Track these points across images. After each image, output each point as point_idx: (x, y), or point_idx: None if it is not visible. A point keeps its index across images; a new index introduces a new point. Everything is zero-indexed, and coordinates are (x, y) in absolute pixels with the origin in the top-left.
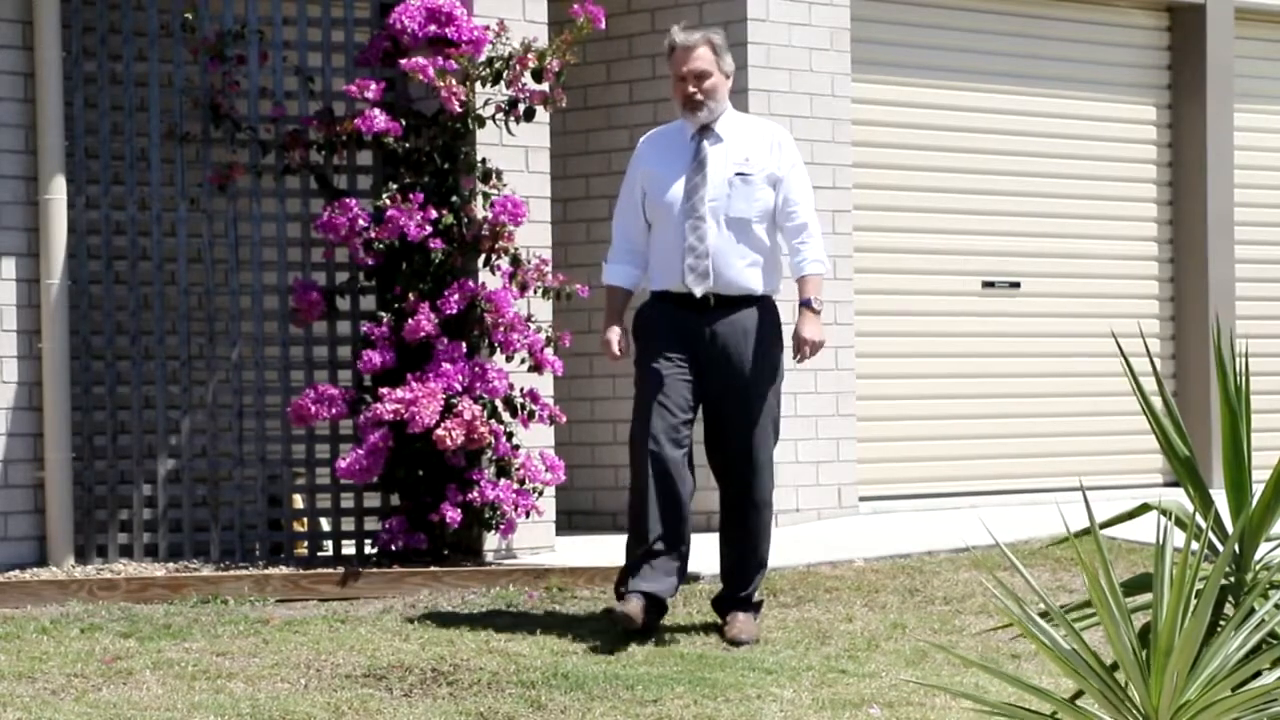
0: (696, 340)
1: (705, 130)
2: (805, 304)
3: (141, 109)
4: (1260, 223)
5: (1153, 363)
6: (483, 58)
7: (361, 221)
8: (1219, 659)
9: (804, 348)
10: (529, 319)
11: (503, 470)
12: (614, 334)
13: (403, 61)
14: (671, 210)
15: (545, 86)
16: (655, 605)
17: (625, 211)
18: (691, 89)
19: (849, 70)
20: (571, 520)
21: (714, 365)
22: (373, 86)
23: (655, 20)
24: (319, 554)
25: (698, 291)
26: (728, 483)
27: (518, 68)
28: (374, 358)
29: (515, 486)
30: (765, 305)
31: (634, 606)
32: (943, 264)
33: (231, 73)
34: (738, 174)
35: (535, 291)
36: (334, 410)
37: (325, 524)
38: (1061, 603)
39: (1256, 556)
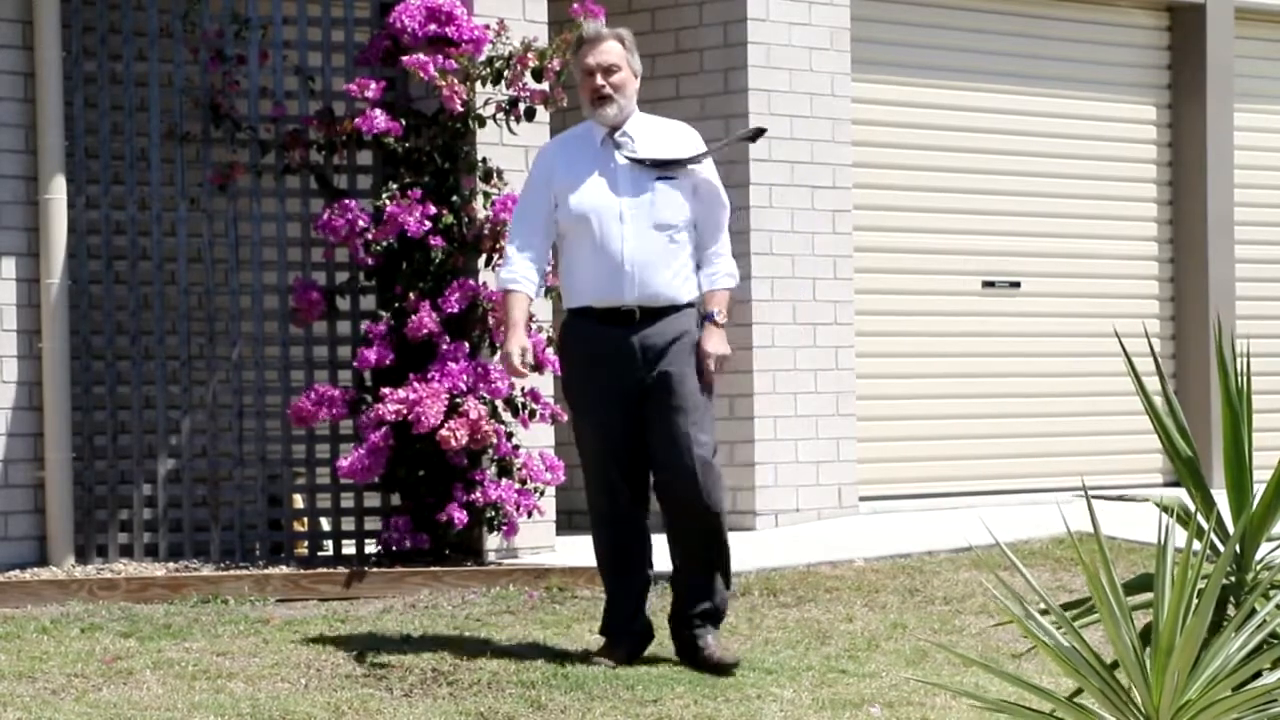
0: (625, 355)
1: (616, 132)
2: (710, 318)
3: (141, 109)
4: (1260, 223)
5: (1156, 362)
6: (483, 57)
7: (361, 222)
8: (1220, 659)
9: (707, 360)
10: (530, 318)
11: (504, 470)
12: (516, 346)
13: (404, 59)
14: (590, 219)
15: (545, 86)
16: (635, 642)
17: (528, 221)
18: (600, 82)
19: (849, 70)
20: (571, 520)
21: (647, 377)
22: (373, 86)
23: (655, 20)
24: (319, 554)
25: (608, 309)
26: (675, 501)
27: (518, 67)
28: (370, 355)
29: (517, 486)
30: (691, 313)
31: (620, 655)
32: (943, 264)
33: (231, 72)
34: (659, 178)
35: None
36: (334, 410)
37: (325, 524)
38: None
39: (1257, 556)
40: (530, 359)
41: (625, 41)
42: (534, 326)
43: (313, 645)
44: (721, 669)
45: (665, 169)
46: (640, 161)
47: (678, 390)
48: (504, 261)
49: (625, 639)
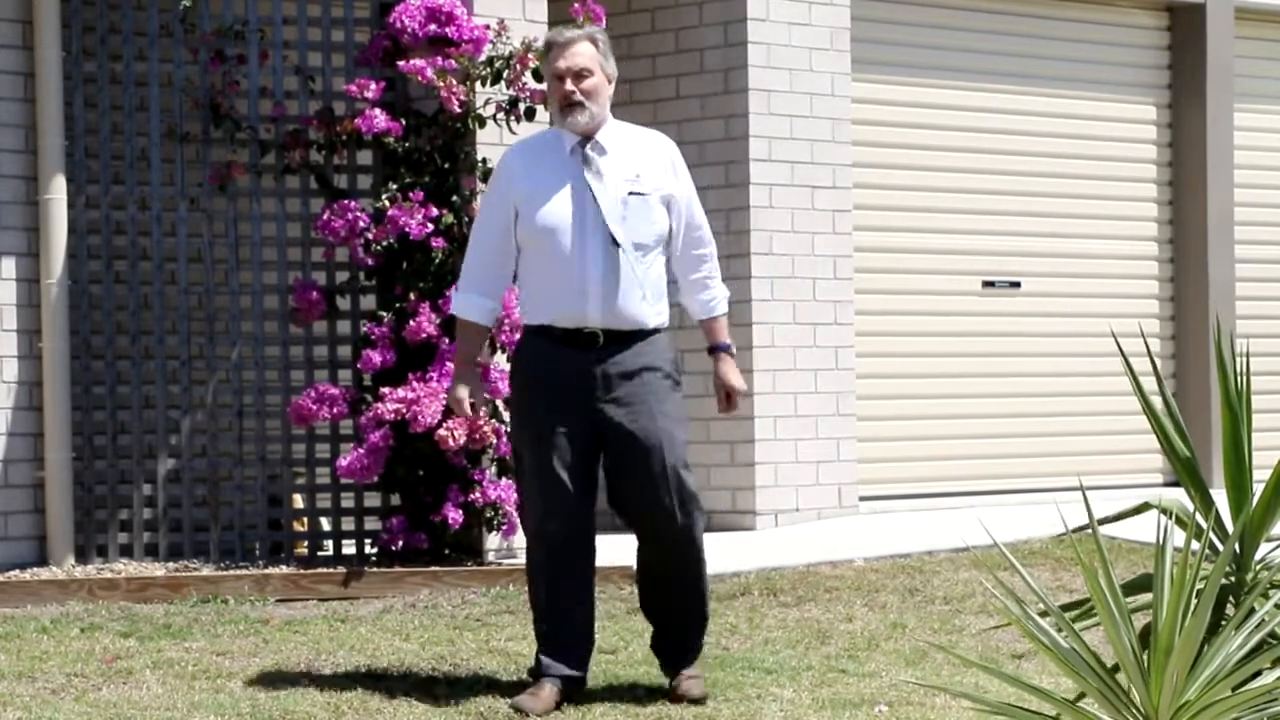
0: (585, 383)
1: (587, 141)
2: (724, 349)
3: (141, 109)
4: (1260, 223)
5: (1153, 362)
6: (483, 57)
7: (361, 222)
8: (1219, 659)
9: (735, 397)
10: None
11: (504, 470)
12: (464, 392)
13: (400, 64)
14: (555, 233)
15: (545, 86)
16: (572, 685)
17: (486, 234)
18: (570, 87)
19: (849, 70)
20: None
21: (610, 410)
22: (373, 86)
23: (655, 20)
24: (319, 554)
25: (568, 331)
26: (651, 532)
27: (518, 67)
28: (374, 357)
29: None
30: (659, 341)
31: (546, 694)
32: (943, 264)
33: (231, 72)
34: (631, 193)
35: None
36: (334, 410)
37: (325, 524)
38: (1061, 603)
39: (1257, 556)
40: (481, 401)
41: (599, 44)
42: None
43: (313, 645)
44: (692, 703)
45: (637, 183)
46: (610, 172)
47: (650, 435)
48: (458, 284)
49: (559, 679)
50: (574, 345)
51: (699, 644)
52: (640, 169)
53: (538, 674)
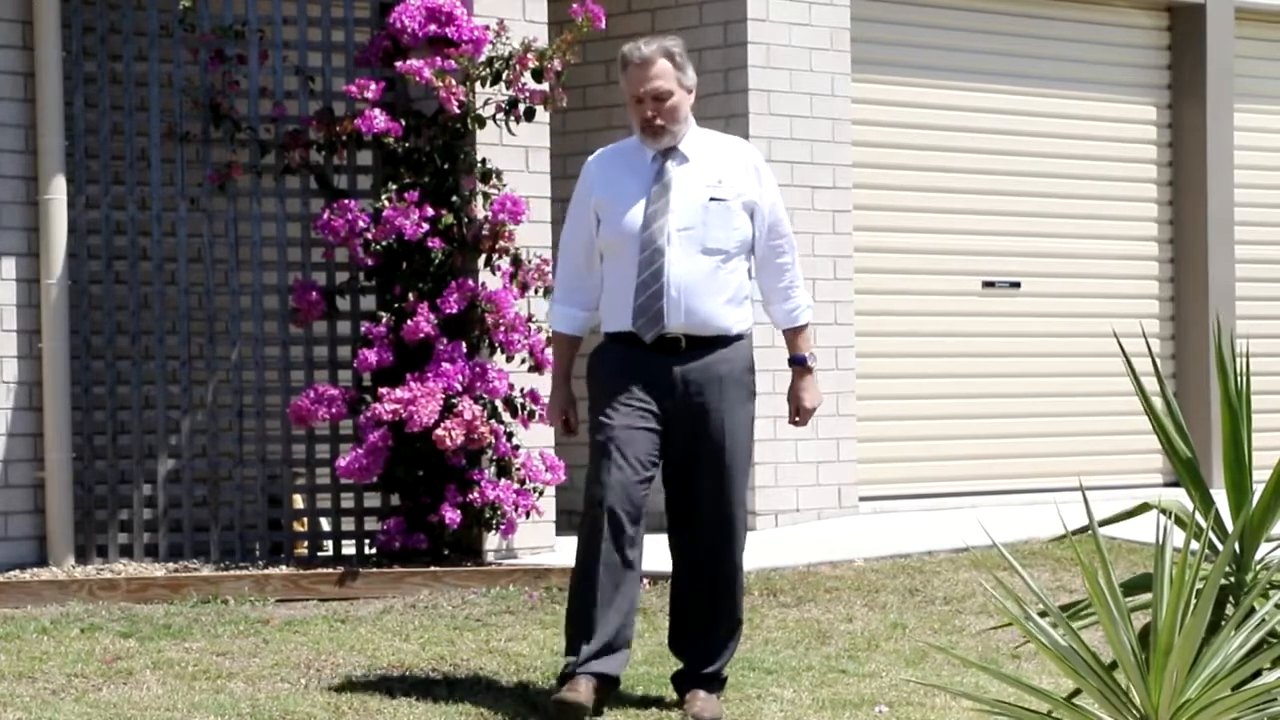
0: (664, 387)
1: (670, 151)
2: (802, 362)
3: (141, 109)
4: (1260, 223)
5: (1154, 362)
6: (483, 57)
7: (361, 222)
8: (1219, 658)
9: (805, 415)
10: (530, 319)
11: (503, 470)
12: (559, 407)
13: (399, 64)
14: (634, 240)
15: (545, 86)
16: (606, 684)
17: (572, 243)
18: (651, 113)
19: (849, 70)
20: (571, 520)
21: (684, 418)
22: (373, 86)
23: (655, 20)
24: (319, 554)
25: (648, 337)
26: (694, 548)
27: (518, 68)
28: (370, 356)
29: (515, 486)
30: (741, 348)
31: (583, 689)
32: (943, 264)
33: (231, 73)
34: (712, 198)
35: (536, 291)
36: (334, 410)
37: (325, 524)
38: (1061, 602)
39: (1256, 556)
40: (576, 423)
41: (675, 57)
42: (534, 326)
43: (313, 645)
44: None
45: (719, 189)
46: (691, 179)
47: (718, 447)
48: (553, 296)
49: (598, 662)
50: (655, 350)
51: (722, 670)
52: (723, 175)
53: (570, 673)
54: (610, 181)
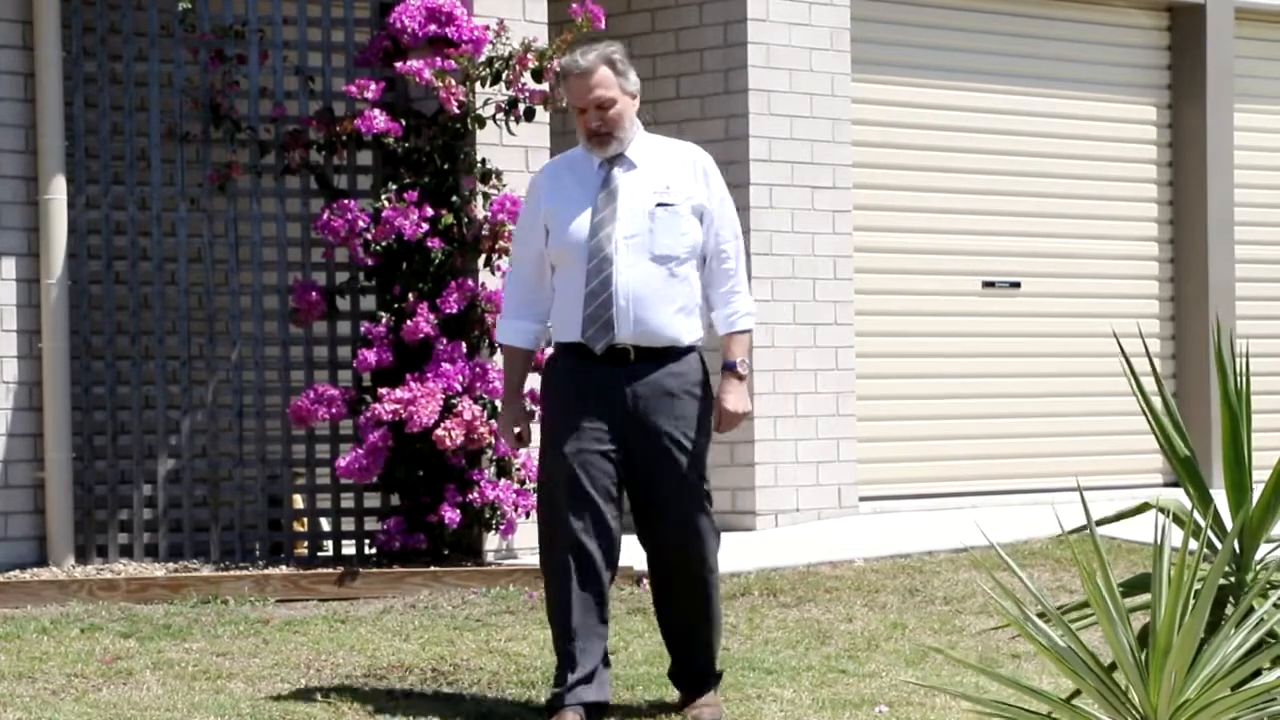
0: (614, 401)
1: (616, 158)
2: (731, 368)
3: (141, 109)
4: (1260, 223)
5: (1152, 363)
6: (483, 58)
7: (361, 222)
8: (1218, 658)
9: (727, 419)
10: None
11: (503, 470)
12: (510, 421)
13: (399, 65)
14: (582, 250)
15: (545, 86)
16: (597, 712)
17: (523, 256)
18: (595, 123)
19: (849, 70)
20: None
21: (638, 430)
22: (373, 86)
23: (655, 20)
24: (319, 554)
25: (598, 348)
26: (665, 554)
27: (518, 68)
28: (369, 356)
29: (515, 486)
30: (692, 361)
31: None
32: (943, 264)
33: (231, 73)
34: (660, 204)
35: None
36: (333, 410)
37: (325, 524)
38: (1061, 603)
39: (1256, 556)
40: (529, 435)
41: (616, 64)
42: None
43: (313, 645)
44: None
45: (666, 194)
46: (638, 185)
47: (675, 459)
48: (502, 310)
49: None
50: (605, 362)
51: (713, 667)
52: (670, 180)
53: (558, 704)
54: (558, 192)
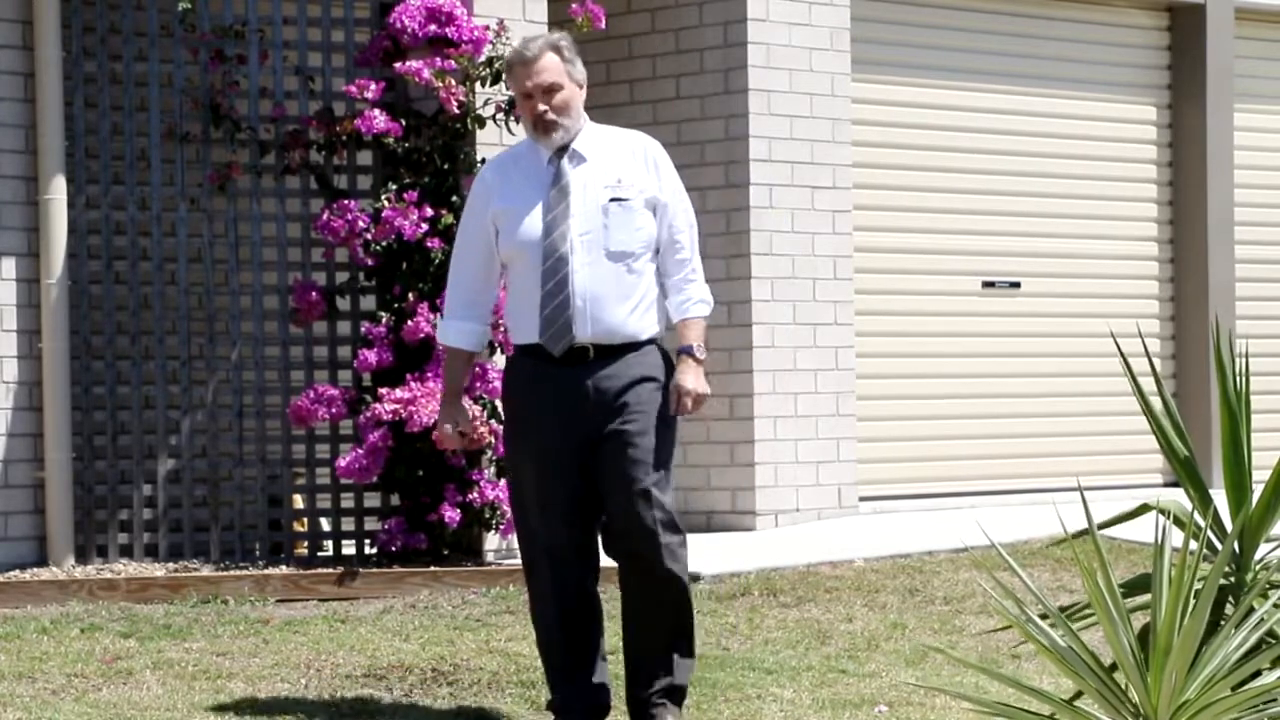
0: (576, 400)
1: (564, 150)
2: (687, 351)
3: (141, 109)
4: (1260, 223)
5: (1151, 363)
6: (483, 57)
7: (361, 223)
8: (1218, 658)
9: (684, 399)
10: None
11: (502, 471)
12: (449, 427)
13: (398, 65)
14: (535, 248)
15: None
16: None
17: (466, 255)
18: (541, 107)
19: (849, 70)
20: None
21: (599, 420)
22: (373, 86)
23: (655, 20)
24: (319, 554)
25: (556, 350)
26: (631, 557)
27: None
28: (370, 356)
29: None
30: (652, 353)
31: None
32: (943, 264)
33: (231, 73)
34: (613, 199)
35: None
36: (334, 410)
37: (325, 524)
38: (1061, 603)
39: (1256, 556)
40: (470, 430)
41: (563, 52)
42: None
43: (313, 645)
44: None
45: (618, 189)
46: (589, 179)
47: (637, 446)
48: (443, 311)
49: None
50: (563, 363)
51: (680, 680)
52: (621, 173)
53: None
54: (507, 190)
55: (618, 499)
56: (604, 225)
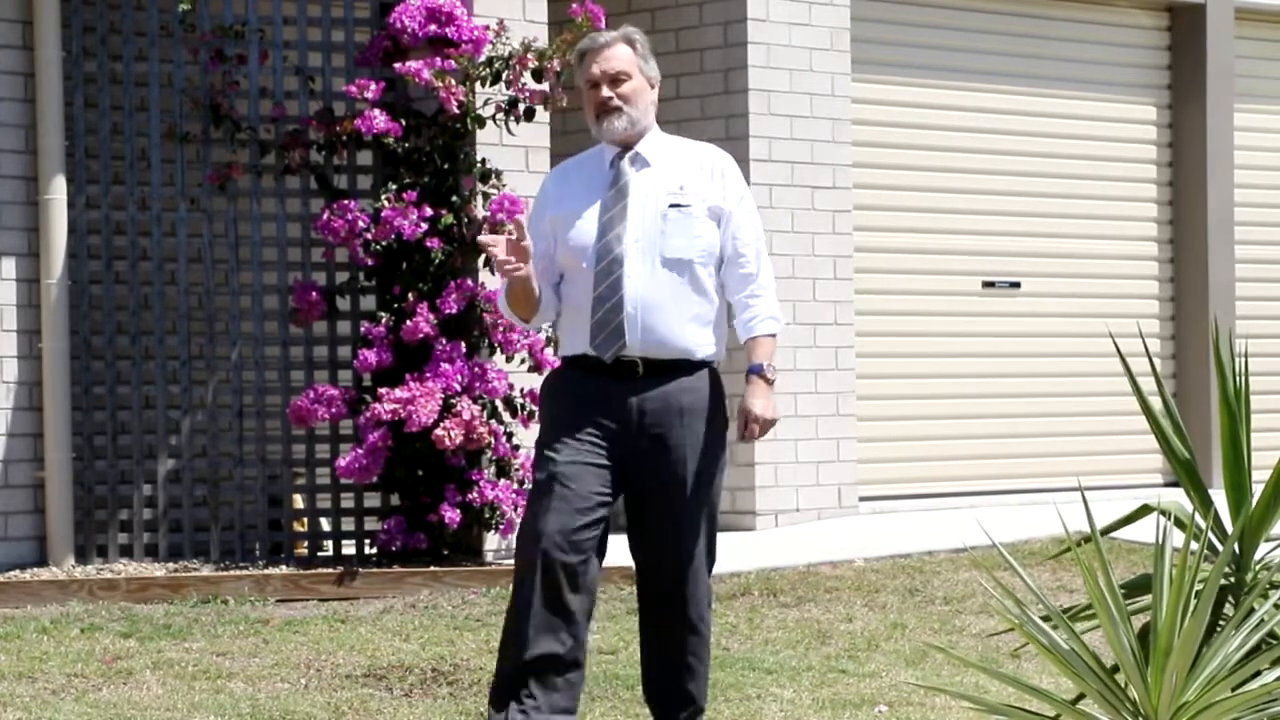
0: (619, 417)
1: (627, 153)
2: (756, 371)
3: (141, 109)
4: (1260, 223)
5: (1152, 363)
6: (483, 58)
7: (361, 223)
8: (1218, 659)
9: (753, 425)
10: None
11: (502, 470)
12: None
13: (398, 65)
14: (589, 253)
15: (545, 86)
16: None
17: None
18: (606, 93)
19: (849, 70)
20: None
21: (641, 452)
22: (373, 86)
23: (655, 20)
24: (319, 554)
25: (607, 356)
26: (653, 596)
27: (518, 68)
28: (369, 356)
29: (515, 486)
30: (707, 375)
31: None
32: (943, 264)
33: (231, 73)
34: (673, 205)
35: None
36: (333, 410)
37: (325, 524)
38: (1062, 602)
39: (1256, 556)
40: (518, 238)
41: (637, 45)
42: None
43: (313, 645)
44: None
45: (680, 195)
46: (650, 184)
47: (680, 483)
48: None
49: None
50: (610, 375)
51: (699, 703)
52: (684, 180)
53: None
54: (565, 196)
55: (649, 539)
56: (661, 231)
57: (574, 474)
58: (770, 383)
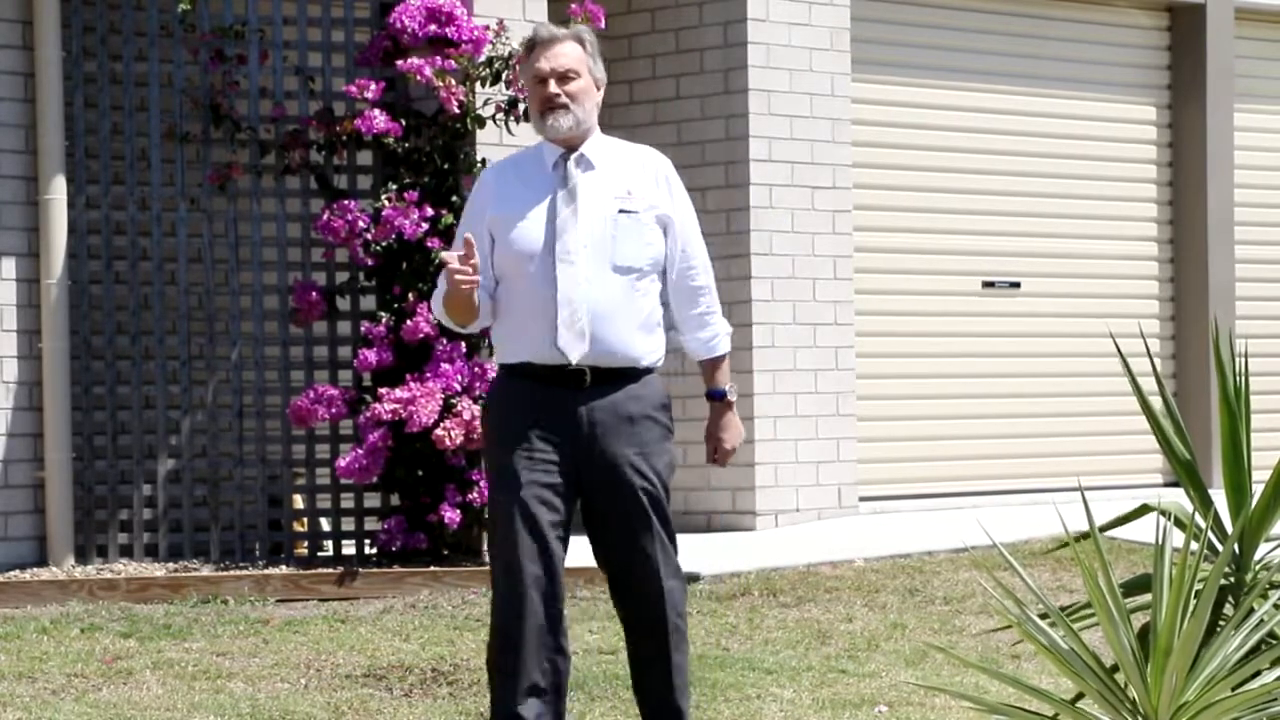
0: (567, 426)
1: (571, 154)
2: (719, 396)
3: (141, 109)
4: (1260, 223)
5: (1152, 363)
6: (483, 57)
7: (361, 223)
8: (1218, 659)
9: (723, 450)
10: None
11: None
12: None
13: (400, 63)
14: (533, 258)
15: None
16: None
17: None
18: (554, 89)
19: (849, 70)
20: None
21: (593, 457)
22: (373, 86)
23: (655, 20)
24: (319, 554)
25: (574, 357)
26: (629, 605)
27: (518, 68)
28: (370, 356)
29: None
30: (652, 383)
31: None
32: (943, 264)
33: (231, 73)
34: (621, 210)
35: None
36: (333, 410)
37: (325, 524)
38: (1062, 602)
39: (1256, 556)
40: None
41: (587, 45)
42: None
43: (313, 645)
44: None
45: (628, 200)
46: (598, 187)
47: (633, 489)
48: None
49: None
50: (556, 384)
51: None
52: (631, 185)
53: None
54: (508, 197)
55: (618, 555)
56: (611, 236)
57: (536, 497)
58: (732, 406)
